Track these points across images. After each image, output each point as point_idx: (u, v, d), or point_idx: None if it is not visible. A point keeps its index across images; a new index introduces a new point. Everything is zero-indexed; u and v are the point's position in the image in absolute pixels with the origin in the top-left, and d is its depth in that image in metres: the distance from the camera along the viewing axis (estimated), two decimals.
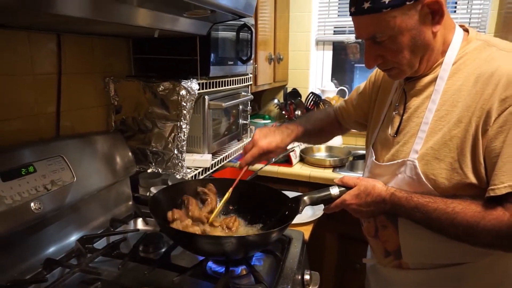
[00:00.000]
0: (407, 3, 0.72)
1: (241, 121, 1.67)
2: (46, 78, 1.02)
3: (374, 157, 0.93)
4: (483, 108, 0.73)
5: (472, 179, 0.75)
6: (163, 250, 0.93)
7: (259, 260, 0.91)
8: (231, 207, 1.01)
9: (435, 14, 0.75)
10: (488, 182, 0.73)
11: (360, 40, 0.92)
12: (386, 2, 0.71)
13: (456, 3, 2.11)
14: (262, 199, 0.99)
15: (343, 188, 0.91)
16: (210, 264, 0.86)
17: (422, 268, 0.85)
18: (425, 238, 0.81)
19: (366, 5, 0.73)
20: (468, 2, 2.06)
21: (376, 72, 1.05)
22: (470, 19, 2.06)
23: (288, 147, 1.80)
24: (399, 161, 0.83)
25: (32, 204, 0.80)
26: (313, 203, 0.92)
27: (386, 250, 0.91)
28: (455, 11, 2.14)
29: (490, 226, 0.71)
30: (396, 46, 0.77)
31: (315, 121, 1.19)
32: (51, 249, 0.90)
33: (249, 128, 1.80)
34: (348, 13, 0.81)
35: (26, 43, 0.95)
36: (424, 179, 0.78)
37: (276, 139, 1.01)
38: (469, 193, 0.76)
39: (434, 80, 0.82)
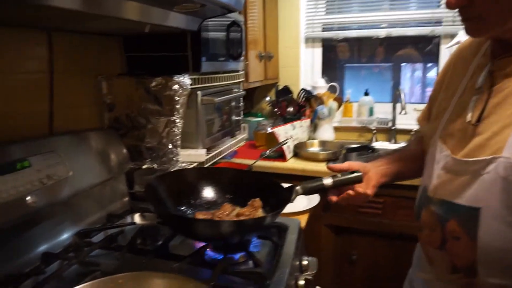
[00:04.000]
0: None
1: (234, 118, 1.69)
2: (37, 76, 1.02)
3: (447, 151, 0.74)
4: None
5: None
6: (161, 242, 0.94)
7: (257, 247, 0.92)
8: (227, 196, 1.02)
9: None
10: None
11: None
12: None
13: None
14: (257, 188, 1.00)
15: (336, 179, 0.92)
16: (208, 252, 0.87)
17: None
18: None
19: None
20: None
21: (443, 68, 0.90)
22: None
23: (281, 140, 1.83)
24: (487, 158, 0.65)
25: (28, 198, 0.80)
26: (306, 192, 0.93)
27: (455, 265, 0.73)
28: None
29: None
30: None
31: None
32: (48, 245, 0.89)
33: (242, 125, 1.82)
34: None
35: (16, 40, 0.95)
36: None
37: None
38: None
39: None
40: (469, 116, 0.71)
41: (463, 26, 0.70)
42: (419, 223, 0.81)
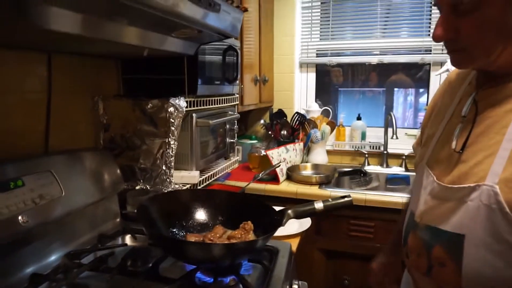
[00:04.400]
0: None
1: (228, 140, 1.71)
2: (35, 96, 1.04)
3: (434, 177, 0.75)
4: None
5: None
6: (151, 264, 0.93)
7: (247, 270, 0.92)
8: (219, 218, 1.02)
9: None
10: None
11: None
12: None
13: None
14: (249, 211, 1.01)
15: (327, 203, 0.94)
16: (198, 274, 0.86)
17: None
18: (498, 281, 0.65)
19: None
20: None
21: (434, 96, 0.93)
22: None
23: (274, 162, 1.85)
24: (470, 185, 0.67)
25: (20, 217, 0.80)
26: (297, 216, 0.95)
27: None
28: None
29: None
30: (480, 20, 0.62)
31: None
32: (37, 265, 0.89)
33: (236, 148, 1.83)
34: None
35: (16, 61, 0.97)
36: (508, 210, 0.61)
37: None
38: None
39: None
40: (453, 144, 0.73)
41: (449, 57, 0.72)
42: (406, 249, 0.81)
